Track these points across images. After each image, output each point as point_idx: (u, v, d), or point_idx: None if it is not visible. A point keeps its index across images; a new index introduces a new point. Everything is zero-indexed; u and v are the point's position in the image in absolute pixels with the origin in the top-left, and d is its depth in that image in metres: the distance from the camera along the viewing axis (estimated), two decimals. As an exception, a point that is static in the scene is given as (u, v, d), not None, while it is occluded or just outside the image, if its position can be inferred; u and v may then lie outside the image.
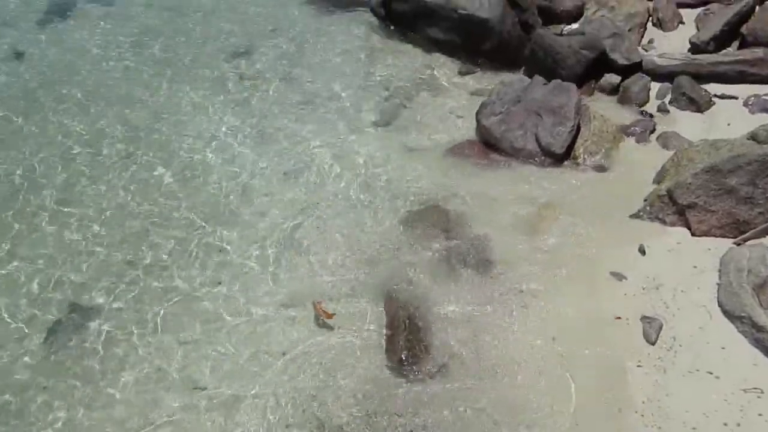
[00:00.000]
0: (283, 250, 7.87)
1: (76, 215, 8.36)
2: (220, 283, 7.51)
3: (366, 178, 8.86)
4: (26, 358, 6.83)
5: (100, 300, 7.35)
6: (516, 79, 10.03)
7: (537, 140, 8.90)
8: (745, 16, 10.33)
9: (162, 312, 7.22)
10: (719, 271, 6.95)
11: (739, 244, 7.26)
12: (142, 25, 12.32)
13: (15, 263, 7.77)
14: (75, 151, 9.36)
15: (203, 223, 8.22)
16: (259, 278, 7.53)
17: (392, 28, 11.95)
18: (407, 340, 6.75)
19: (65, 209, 8.45)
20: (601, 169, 8.66)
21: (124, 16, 12.60)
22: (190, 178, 8.92)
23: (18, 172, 9.01)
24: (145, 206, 8.49)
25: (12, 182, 8.85)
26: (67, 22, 12.49)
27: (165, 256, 7.82)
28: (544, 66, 10.20)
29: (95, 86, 10.66)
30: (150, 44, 11.75)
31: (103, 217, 8.32)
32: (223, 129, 9.80)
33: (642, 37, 10.87)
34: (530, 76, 10.17)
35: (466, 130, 9.64)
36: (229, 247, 7.92)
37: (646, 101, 9.77)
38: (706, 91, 9.64)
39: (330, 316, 6.94)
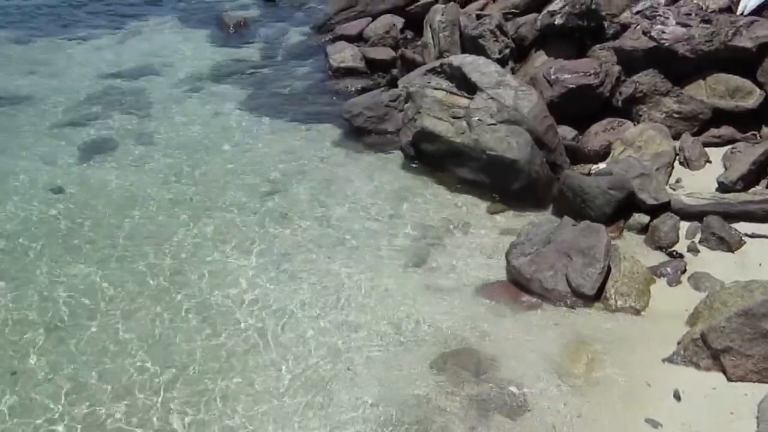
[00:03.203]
0: (312, 392, 8.07)
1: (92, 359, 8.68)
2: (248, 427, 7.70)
3: (395, 319, 9.17)
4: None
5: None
6: (545, 219, 10.50)
7: (567, 281, 9.22)
8: (772, 155, 10.78)
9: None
10: (757, 417, 7.05)
11: (776, 390, 7.38)
12: (175, 164, 13.07)
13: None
14: (103, 297, 9.75)
15: (228, 368, 8.47)
16: (283, 422, 7.70)
17: (421, 167, 12.58)
18: (439, 490, 6.86)
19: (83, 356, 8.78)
20: (632, 310, 8.91)
21: (160, 155, 13.38)
22: (217, 315, 9.27)
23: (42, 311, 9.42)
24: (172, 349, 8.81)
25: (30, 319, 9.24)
26: (105, 159, 13.27)
27: (186, 397, 8.04)
28: (573, 206, 10.64)
29: (129, 226, 11.19)
30: (182, 182, 12.44)
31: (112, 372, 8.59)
32: (251, 268, 10.22)
33: (669, 176, 11.33)
34: (559, 216, 10.63)
35: (495, 269, 10.00)
36: (256, 392, 8.13)
37: (676, 241, 10.09)
38: (736, 230, 9.96)
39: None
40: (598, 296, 9.12)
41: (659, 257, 9.90)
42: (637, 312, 8.92)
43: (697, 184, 11.02)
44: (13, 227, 11.17)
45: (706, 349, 7.90)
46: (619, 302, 9.02)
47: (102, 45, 19.46)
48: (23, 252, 10.59)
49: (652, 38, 12.63)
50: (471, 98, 12.19)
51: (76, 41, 19.71)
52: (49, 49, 19.09)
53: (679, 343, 8.20)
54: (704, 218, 10.18)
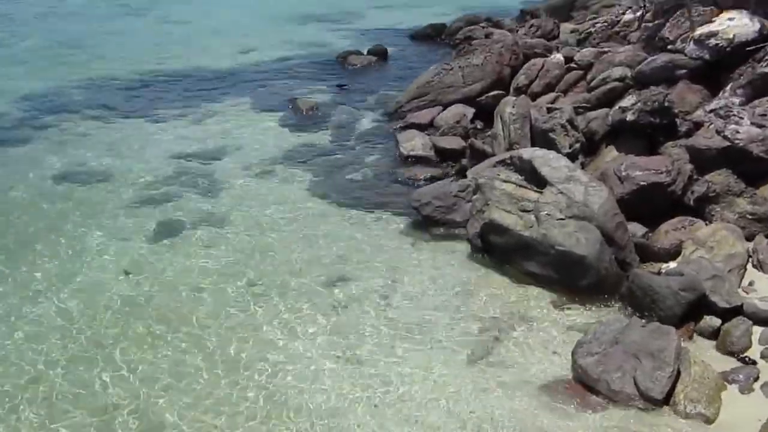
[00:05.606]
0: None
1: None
2: None
3: (458, 414, 9.26)
4: None
5: None
6: (613, 318, 10.56)
7: (635, 384, 9.22)
8: None
9: None
10: None
11: None
12: (242, 247, 13.54)
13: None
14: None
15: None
16: None
17: (488, 259, 12.76)
18: None
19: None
20: (703, 417, 8.84)
21: (229, 239, 13.88)
22: (278, 400, 9.55)
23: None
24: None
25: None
26: (175, 240, 13.86)
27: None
28: (642, 305, 10.71)
29: (195, 309, 11.62)
30: (248, 268, 12.82)
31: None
32: (313, 355, 10.48)
33: (742, 279, 11.27)
34: (627, 314, 10.70)
35: (561, 367, 10.05)
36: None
37: (748, 347, 9.99)
38: (811, 338, 9.86)
39: None
40: (667, 401, 9.09)
41: (730, 363, 9.82)
42: (708, 420, 8.83)
43: (771, 288, 10.96)
44: (81, 305, 11.71)
45: (780, 463, 7.79)
46: (688, 408, 8.96)
47: (178, 126, 20.42)
48: (91, 331, 11.09)
49: (725, 137, 12.77)
50: (540, 192, 12.45)
51: (153, 121, 20.77)
52: (127, 129, 20.19)
53: (751, 455, 8.10)
54: (778, 324, 10.12)
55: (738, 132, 12.69)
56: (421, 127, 18.77)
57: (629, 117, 14.04)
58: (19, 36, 30.17)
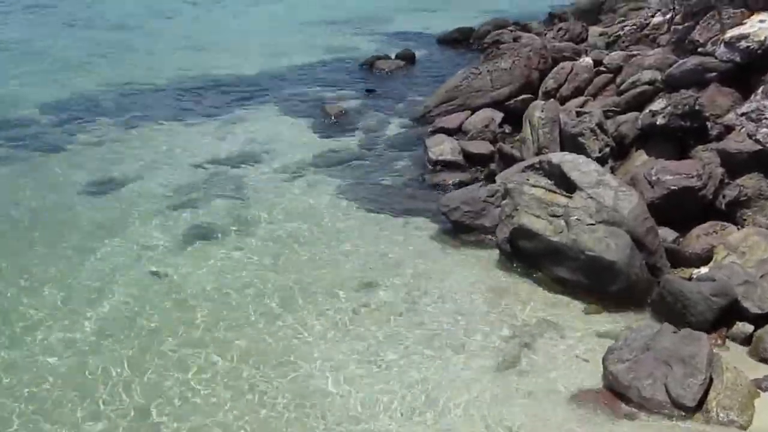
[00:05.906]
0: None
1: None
2: None
3: (486, 423, 9.22)
4: None
5: None
6: (644, 324, 10.47)
7: (667, 391, 9.14)
8: None
9: None
10: None
11: None
12: (273, 254, 13.56)
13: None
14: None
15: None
16: None
17: (517, 265, 12.73)
18: None
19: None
20: (736, 425, 8.75)
21: (257, 244, 13.94)
22: (298, 404, 9.58)
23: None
24: None
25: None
26: (203, 245, 13.90)
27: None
28: (673, 310, 10.64)
29: (222, 315, 11.65)
30: (274, 272, 12.90)
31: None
32: (338, 360, 10.48)
33: (775, 285, 11.13)
34: (657, 320, 10.64)
35: (591, 374, 9.99)
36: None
37: (782, 354, 9.90)
38: None
39: None
40: (699, 408, 9.01)
41: (763, 370, 9.72)
42: (742, 427, 8.74)
43: (805, 294, 10.80)
44: (111, 310, 11.79)
45: (814, 472, 7.70)
46: (721, 415, 8.88)
47: (206, 131, 20.49)
48: (123, 335, 11.17)
49: (757, 141, 12.68)
50: (570, 197, 12.39)
51: (182, 126, 20.85)
52: (156, 134, 20.26)
53: (785, 464, 8.01)
54: (812, 330, 9.99)
55: (770, 135, 12.56)
56: (449, 132, 18.70)
57: (659, 121, 13.93)
58: (42, 43, 30.39)
